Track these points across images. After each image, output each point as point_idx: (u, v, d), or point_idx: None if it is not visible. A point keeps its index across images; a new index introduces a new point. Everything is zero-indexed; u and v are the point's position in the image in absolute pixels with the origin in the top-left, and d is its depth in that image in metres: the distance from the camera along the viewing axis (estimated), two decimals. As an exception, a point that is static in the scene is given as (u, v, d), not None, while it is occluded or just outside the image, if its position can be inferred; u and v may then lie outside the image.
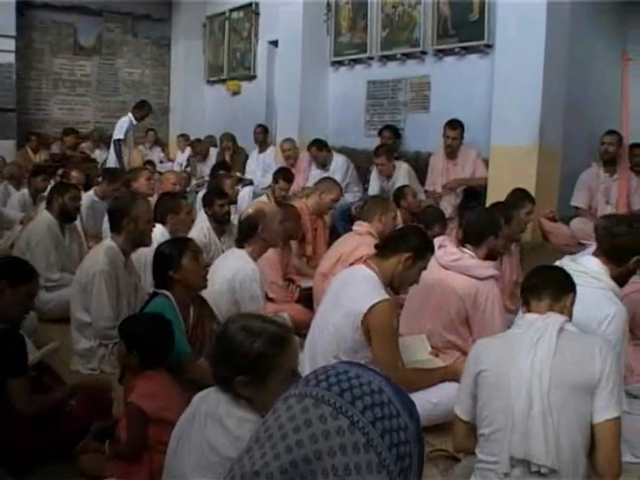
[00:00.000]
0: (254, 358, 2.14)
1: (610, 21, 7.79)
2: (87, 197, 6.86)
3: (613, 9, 7.76)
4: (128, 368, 3.07)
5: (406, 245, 3.51)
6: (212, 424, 2.16)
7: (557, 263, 3.44)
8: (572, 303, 2.71)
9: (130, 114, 9.34)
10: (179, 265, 3.51)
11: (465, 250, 4.00)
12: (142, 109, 9.40)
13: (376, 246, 3.73)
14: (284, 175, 6.95)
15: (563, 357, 2.41)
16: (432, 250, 3.68)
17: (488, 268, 3.96)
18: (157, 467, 2.60)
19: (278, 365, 2.16)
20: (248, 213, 4.51)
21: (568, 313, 2.66)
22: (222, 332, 2.27)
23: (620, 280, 3.28)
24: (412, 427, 0.96)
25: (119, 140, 9.19)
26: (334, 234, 6.40)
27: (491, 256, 4.11)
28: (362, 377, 0.97)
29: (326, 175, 7.17)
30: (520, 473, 2.41)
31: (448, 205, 6.72)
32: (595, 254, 3.34)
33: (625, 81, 5.94)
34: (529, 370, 2.40)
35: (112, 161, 9.11)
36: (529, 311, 2.66)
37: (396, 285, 3.57)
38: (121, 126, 9.25)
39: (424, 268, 3.59)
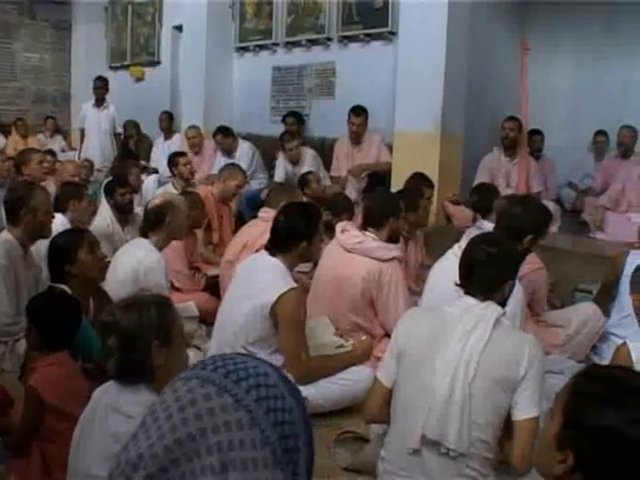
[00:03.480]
0: (157, 325, 2.19)
1: (510, 10, 8.02)
2: (-21, 189, 6.57)
3: (513, -1, 7.99)
4: (32, 348, 2.96)
5: (298, 237, 3.52)
6: (113, 414, 2.13)
7: (456, 245, 3.54)
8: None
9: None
10: (75, 258, 3.42)
11: (367, 233, 4.05)
12: (94, 83, 9.64)
13: (267, 247, 3.64)
14: (180, 154, 7.07)
15: (493, 350, 2.43)
16: (321, 217, 3.78)
17: (391, 250, 4.02)
18: (51, 457, 2.56)
19: (176, 327, 2.27)
20: (156, 203, 4.39)
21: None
22: (114, 322, 2.23)
23: None
24: (298, 411, 0.98)
25: (80, 130, 9.49)
26: (241, 221, 6.36)
27: (393, 238, 4.16)
28: (248, 362, 0.99)
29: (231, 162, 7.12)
30: (429, 452, 2.45)
31: (353, 190, 6.78)
32: None
33: (524, 69, 6.12)
34: (458, 356, 2.42)
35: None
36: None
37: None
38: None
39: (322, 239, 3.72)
